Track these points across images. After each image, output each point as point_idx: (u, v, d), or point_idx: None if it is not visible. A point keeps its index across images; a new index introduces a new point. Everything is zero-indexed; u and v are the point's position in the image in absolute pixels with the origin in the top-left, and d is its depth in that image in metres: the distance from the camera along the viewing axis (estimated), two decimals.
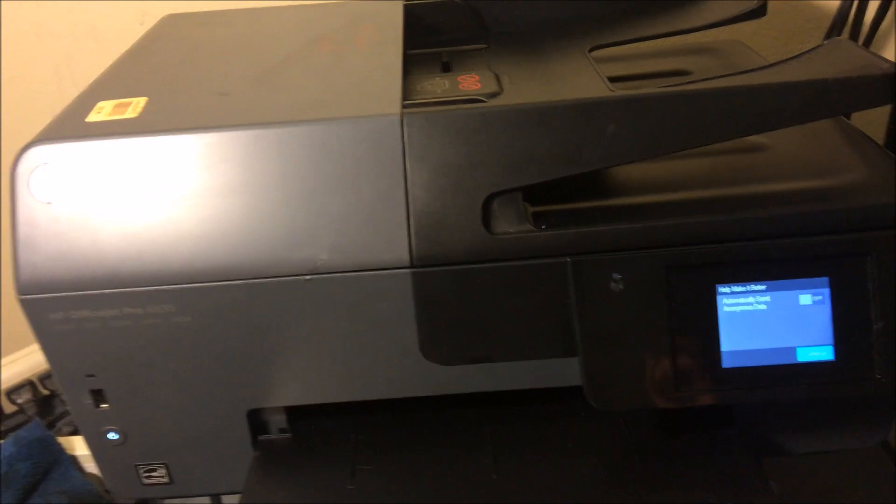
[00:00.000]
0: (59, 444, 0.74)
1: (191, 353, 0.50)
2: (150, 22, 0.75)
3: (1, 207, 0.99)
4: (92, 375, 0.50)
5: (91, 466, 0.75)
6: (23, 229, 0.47)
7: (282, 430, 0.56)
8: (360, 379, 0.52)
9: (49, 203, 0.47)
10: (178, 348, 0.50)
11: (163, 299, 0.48)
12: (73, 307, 0.48)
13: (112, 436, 0.53)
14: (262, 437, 0.55)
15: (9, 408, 0.84)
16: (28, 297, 0.48)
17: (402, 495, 0.51)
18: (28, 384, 0.85)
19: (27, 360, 0.86)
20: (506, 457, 0.53)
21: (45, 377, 0.86)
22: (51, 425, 0.81)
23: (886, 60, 0.48)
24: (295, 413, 0.56)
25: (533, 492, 0.51)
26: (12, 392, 0.84)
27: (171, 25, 0.69)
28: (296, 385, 0.52)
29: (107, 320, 0.48)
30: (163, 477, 0.55)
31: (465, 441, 0.55)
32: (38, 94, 0.93)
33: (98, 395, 0.51)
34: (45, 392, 0.85)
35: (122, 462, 0.54)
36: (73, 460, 0.74)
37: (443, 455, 0.54)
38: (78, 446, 0.75)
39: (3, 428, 0.81)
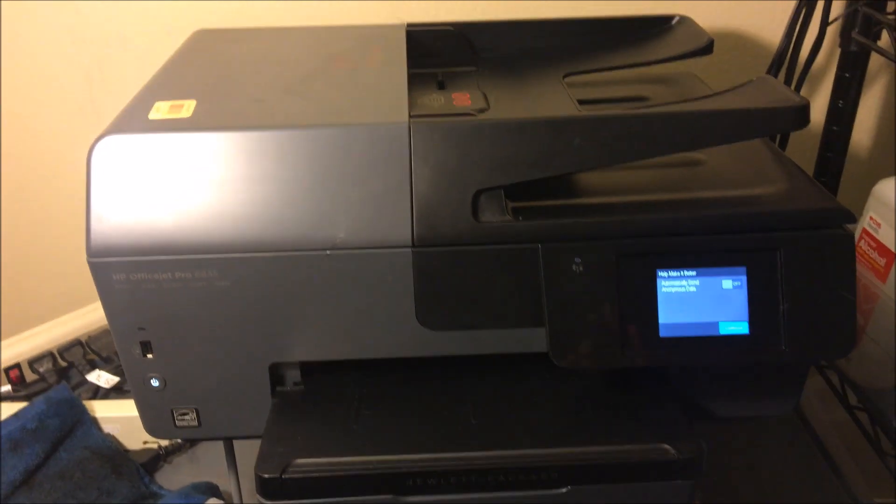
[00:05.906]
0: (83, 405, 0.79)
1: (227, 312, 0.54)
2: (176, 32, 0.78)
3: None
4: (143, 329, 0.54)
5: (109, 427, 0.79)
6: (95, 204, 0.52)
7: (296, 384, 0.59)
8: (365, 340, 0.55)
9: (117, 184, 0.52)
10: (216, 308, 0.53)
11: (208, 266, 0.52)
12: (133, 270, 0.52)
13: (154, 382, 0.57)
14: (279, 388, 0.58)
15: (30, 376, 0.87)
16: (96, 259, 0.52)
17: (397, 434, 0.54)
18: (49, 355, 0.88)
19: (48, 334, 0.90)
20: (483, 406, 0.57)
21: (63, 350, 0.89)
22: None
23: (798, 95, 0.55)
24: (308, 369, 0.58)
25: (504, 433, 0.54)
26: (34, 361, 0.87)
27: (202, 40, 0.74)
28: (311, 343, 0.55)
29: (160, 282, 0.53)
30: (193, 420, 0.59)
31: (450, 393, 0.58)
32: (70, 95, 0.93)
33: (146, 346, 0.55)
34: (63, 364, 0.88)
35: (159, 406, 0.58)
36: (94, 421, 0.79)
37: (432, 404, 0.57)
38: (97, 409, 0.80)
39: (25, 393, 0.85)
